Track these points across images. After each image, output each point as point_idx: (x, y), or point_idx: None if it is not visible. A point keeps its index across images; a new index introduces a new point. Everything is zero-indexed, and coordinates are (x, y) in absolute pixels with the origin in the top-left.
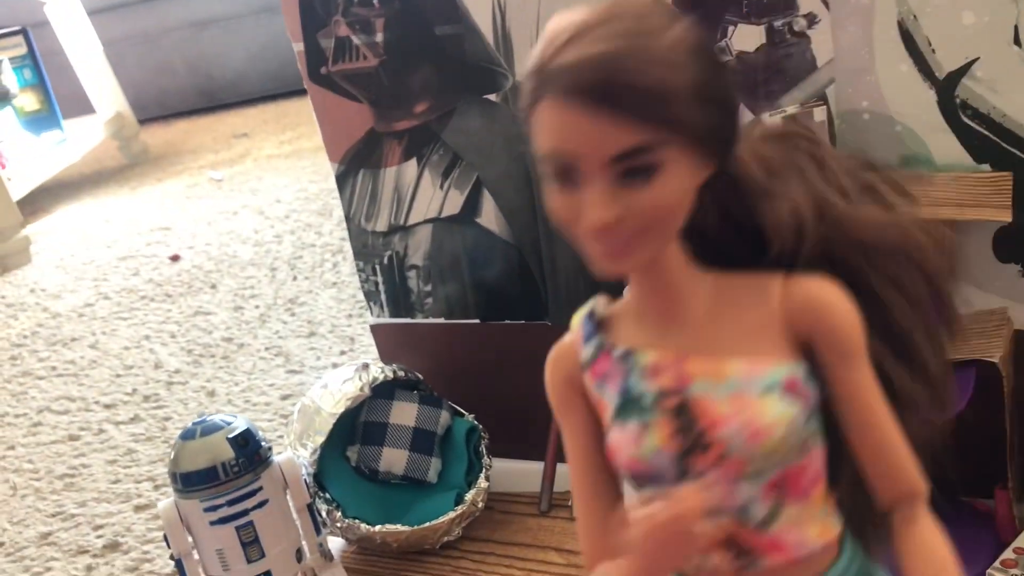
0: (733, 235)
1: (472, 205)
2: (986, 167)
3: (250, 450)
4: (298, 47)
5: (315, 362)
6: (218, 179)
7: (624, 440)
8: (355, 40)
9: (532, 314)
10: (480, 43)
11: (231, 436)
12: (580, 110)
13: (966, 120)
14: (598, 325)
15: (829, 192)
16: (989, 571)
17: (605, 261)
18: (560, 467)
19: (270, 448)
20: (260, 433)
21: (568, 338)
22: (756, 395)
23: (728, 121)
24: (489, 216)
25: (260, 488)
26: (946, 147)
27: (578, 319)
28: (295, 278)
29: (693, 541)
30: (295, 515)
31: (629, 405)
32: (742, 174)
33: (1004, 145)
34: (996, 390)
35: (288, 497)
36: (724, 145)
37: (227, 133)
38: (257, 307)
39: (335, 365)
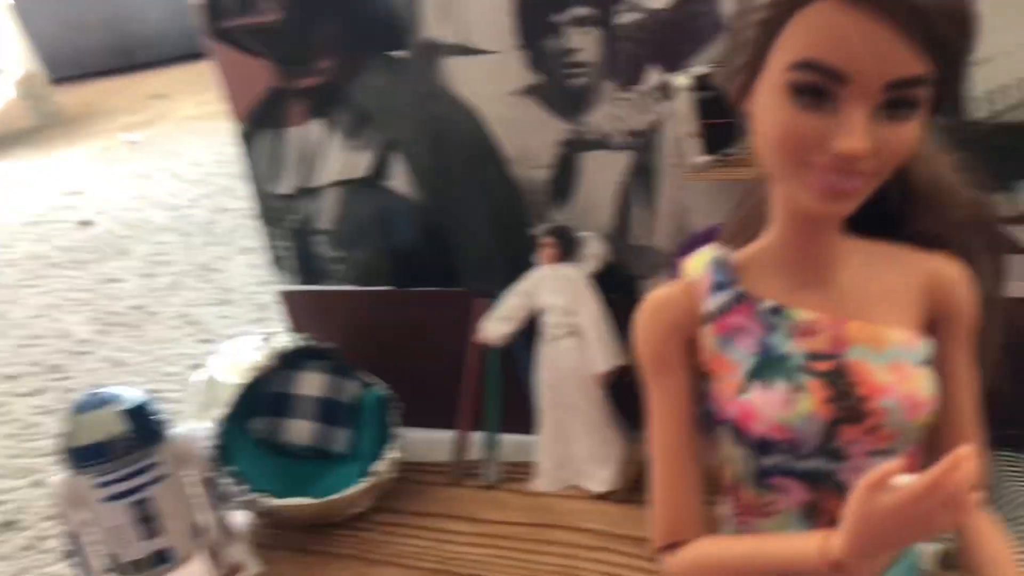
0: (880, 202)
1: (382, 167)
2: None
3: (145, 424)
4: (197, 0)
5: (227, 331)
6: (133, 141)
7: (769, 403)
8: None
9: (446, 280)
10: None
11: (124, 410)
12: (874, 21)
13: None
14: (733, 273)
15: (951, 168)
16: None
17: (827, 197)
18: (473, 436)
19: (167, 422)
20: (157, 406)
21: (678, 285)
22: (914, 366)
23: (966, 69)
24: (400, 178)
25: (156, 463)
26: None
27: (702, 264)
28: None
29: (943, 518)
30: (195, 490)
31: (771, 365)
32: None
33: None
34: None
35: (188, 472)
36: (952, 97)
37: (144, 94)
38: (169, 274)
39: (252, 335)
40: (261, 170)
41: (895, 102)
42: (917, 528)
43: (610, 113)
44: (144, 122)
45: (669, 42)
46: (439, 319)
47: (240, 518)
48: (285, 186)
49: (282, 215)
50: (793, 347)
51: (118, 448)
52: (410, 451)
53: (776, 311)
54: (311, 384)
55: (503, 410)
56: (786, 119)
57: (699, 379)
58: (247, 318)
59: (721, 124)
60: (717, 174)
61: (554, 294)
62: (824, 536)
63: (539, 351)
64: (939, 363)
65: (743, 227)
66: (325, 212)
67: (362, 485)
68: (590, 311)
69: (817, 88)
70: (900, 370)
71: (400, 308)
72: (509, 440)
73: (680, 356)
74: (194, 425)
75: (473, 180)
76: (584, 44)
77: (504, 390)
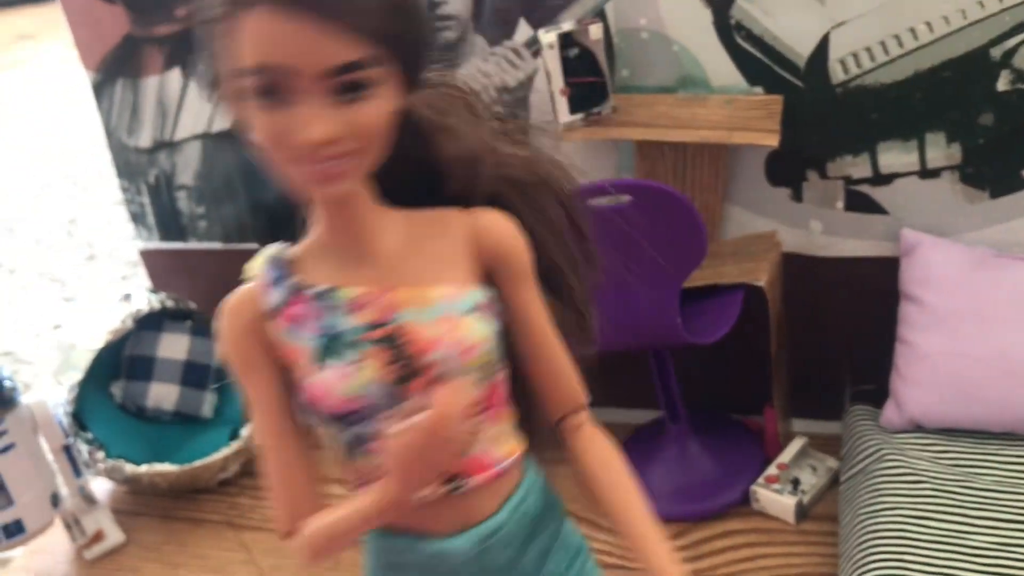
0: (412, 174)
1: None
2: (759, 90)
3: None
4: None
5: (93, 289)
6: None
7: (334, 379)
8: None
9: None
10: None
11: None
12: (297, 20)
13: (740, 41)
14: (286, 268)
15: (485, 134)
16: (753, 487)
17: (317, 184)
18: None
19: (16, 387)
20: (6, 370)
21: (246, 287)
22: (460, 316)
23: (424, 41)
24: None
25: (5, 431)
26: (721, 69)
27: (259, 265)
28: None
29: (456, 443)
30: (50, 458)
31: (333, 344)
32: (417, 113)
33: (776, 69)
34: (764, 312)
35: (41, 439)
36: (419, 69)
37: (10, 35)
38: (32, 228)
39: (119, 294)
40: (117, 122)
41: (346, 86)
42: (437, 458)
43: (481, 69)
44: (8, 64)
45: None
46: None
47: (101, 486)
48: (143, 139)
49: (141, 169)
50: (350, 323)
51: None
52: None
53: (326, 293)
54: (174, 346)
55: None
56: (259, 121)
57: (284, 372)
58: (113, 276)
59: (587, 82)
60: (584, 133)
61: None
62: (379, 486)
63: None
64: (510, 308)
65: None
66: (186, 166)
67: (229, 449)
68: None
69: (269, 88)
70: (448, 322)
71: None
72: None
73: (261, 354)
74: (49, 390)
75: None
76: None
77: None
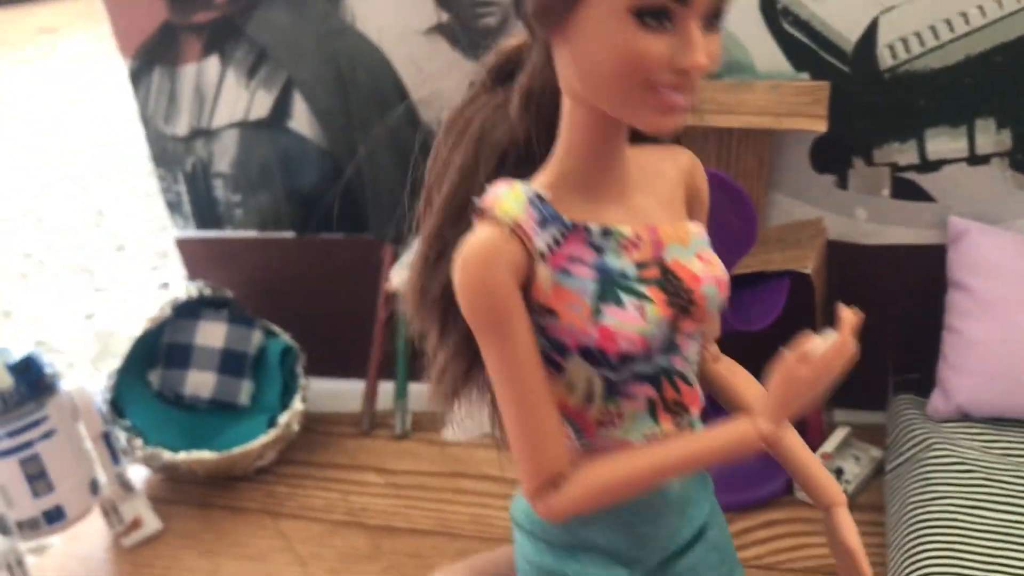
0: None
1: (282, 108)
2: (805, 76)
3: (32, 377)
4: None
5: (123, 279)
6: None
7: (626, 320)
8: None
9: (351, 226)
10: None
11: (10, 363)
12: None
13: (787, 27)
14: (551, 207)
15: None
16: None
17: (669, 114)
18: (383, 386)
19: (56, 374)
20: (46, 358)
21: (498, 230)
22: (710, 251)
23: None
24: (301, 120)
25: (46, 417)
26: (767, 54)
27: (517, 205)
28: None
29: (834, 379)
30: (89, 445)
31: (613, 285)
32: None
33: (823, 54)
34: (810, 299)
35: (80, 426)
36: None
37: (32, 27)
38: (61, 221)
39: (151, 284)
40: (154, 110)
41: (716, 15)
42: (823, 387)
43: None
44: (32, 58)
45: None
46: (345, 267)
47: (139, 473)
48: (180, 127)
49: (177, 157)
50: (625, 263)
51: (5, 402)
52: (316, 402)
53: (605, 233)
54: (211, 334)
55: (412, 359)
56: (629, 42)
57: (534, 316)
58: (146, 266)
59: None
60: None
61: None
62: (748, 418)
63: None
64: None
65: (486, 159)
66: (223, 154)
67: (266, 437)
68: None
69: (663, 10)
70: (703, 257)
71: (304, 255)
72: (418, 390)
73: (519, 299)
74: (88, 378)
75: (380, 123)
76: None
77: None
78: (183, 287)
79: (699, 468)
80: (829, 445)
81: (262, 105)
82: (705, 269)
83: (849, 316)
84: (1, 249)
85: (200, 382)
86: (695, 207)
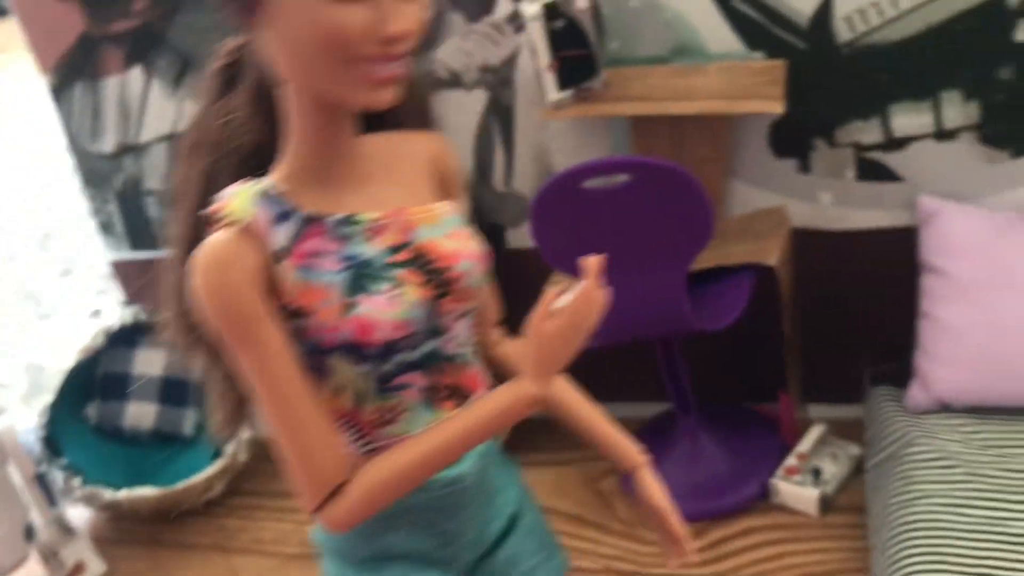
0: None
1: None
2: (759, 55)
3: None
4: None
5: (69, 305)
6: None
7: (381, 308)
8: None
9: None
10: None
11: None
12: None
13: (737, 4)
14: (286, 201)
15: None
16: (772, 479)
17: (380, 87)
18: None
19: None
20: None
21: (231, 232)
22: (462, 229)
23: None
24: None
25: None
26: (718, 34)
27: (247, 204)
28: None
29: (590, 331)
30: (23, 488)
31: (363, 274)
32: None
33: (777, 31)
34: (776, 292)
35: (11, 469)
36: None
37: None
38: (6, 244)
39: (95, 310)
40: (78, 127)
41: None
42: (578, 338)
43: (460, 48)
44: None
45: None
46: None
47: (80, 514)
48: (106, 143)
49: (106, 176)
50: (372, 249)
51: None
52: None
53: (346, 221)
54: (149, 362)
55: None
56: (324, 16)
57: (284, 321)
58: (93, 290)
59: (576, 56)
60: (575, 110)
61: None
62: (513, 384)
63: None
64: None
65: (209, 152)
66: (154, 170)
67: (212, 469)
68: None
69: None
70: (457, 236)
71: None
72: None
73: (264, 304)
74: (19, 415)
75: None
76: None
77: None
78: (118, 313)
79: (480, 439)
80: (805, 444)
81: (191, 115)
82: (460, 246)
83: (593, 263)
84: None
85: (140, 413)
86: (448, 187)
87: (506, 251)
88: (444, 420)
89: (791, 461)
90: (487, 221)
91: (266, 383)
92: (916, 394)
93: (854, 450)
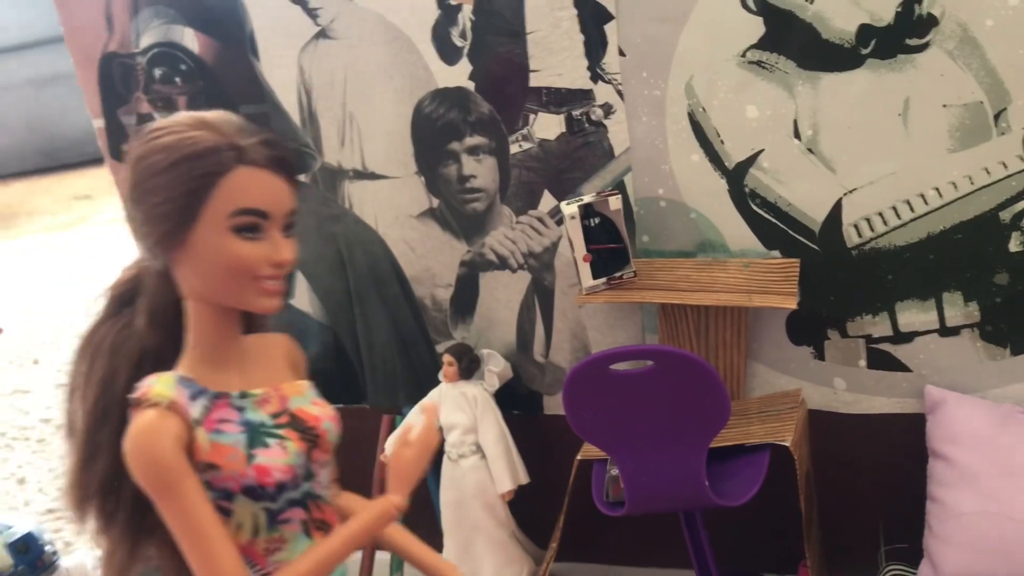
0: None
1: (286, 287)
2: (776, 253)
3: (32, 556)
4: (98, 124)
5: None
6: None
7: (275, 456)
8: (157, 118)
9: (350, 397)
10: (286, 123)
11: (9, 543)
12: (276, 177)
13: (755, 208)
14: (196, 384)
15: None
16: None
17: (270, 297)
18: (379, 556)
19: (56, 552)
20: (46, 535)
21: (158, 409)
22: (320, 399)
23: None
24: (303, 298)
25: None
26: (738, 234)
27: (167, 388)
28: None
29: (432, 455)
30: None
31: (257, 433)
32: None
33: (791, 233)
34: (791, 470)
35: None
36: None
37: (67, 195)
38: None
39: None
40: None
41: (289, 225)
42: (426, 461)
43: (508, 236)
44: (66, 223)
45: (560, 170)
46: (343, 436)
47: None
48: None
49: None
50: (262, 415)
51: None
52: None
53: (243, 396)
54: None
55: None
56: (235, 251)
57: (199, 473)
58: None
59: (608, 249)
60: (607, 296)
61: (456, 412)
62: (381, 500)
63: (442, 470)
64: None
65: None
66: None
67: None
68: (492, 429)
69: (254, 225)
70: (318, 403)
71: None
72: None
73: (187, 463)
74: (94, 552)
75: (376, 299)
76: (479, 171)
77: (409, 510)
78: None
79: (356, 547)
80: None
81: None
82: (322, 411)
83: (428, 405)
84: (21, 413)
85: None
86: (299, 369)
87: (544, 416)
88: (334, 531)
89: None
90: (527, 388)
91: (191, 525)
92: (926, 573)
93: None
